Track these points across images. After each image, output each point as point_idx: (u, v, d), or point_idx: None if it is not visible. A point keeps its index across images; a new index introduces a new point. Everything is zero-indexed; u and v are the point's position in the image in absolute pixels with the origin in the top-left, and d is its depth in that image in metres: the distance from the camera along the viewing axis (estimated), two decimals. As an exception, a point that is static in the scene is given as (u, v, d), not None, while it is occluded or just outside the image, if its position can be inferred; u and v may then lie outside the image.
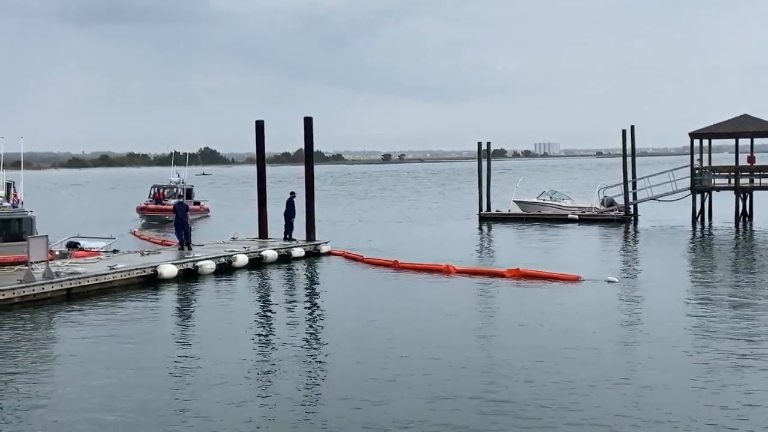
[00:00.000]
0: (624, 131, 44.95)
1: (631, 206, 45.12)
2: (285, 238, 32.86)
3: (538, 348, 15.84)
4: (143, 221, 51.48)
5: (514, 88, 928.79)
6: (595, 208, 47.03)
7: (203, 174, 57.28)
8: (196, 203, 57.66)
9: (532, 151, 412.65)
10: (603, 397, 12.70)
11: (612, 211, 45.94)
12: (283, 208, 33.33)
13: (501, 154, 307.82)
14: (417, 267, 27.23)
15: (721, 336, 16.64)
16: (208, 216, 56.99)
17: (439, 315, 19.62)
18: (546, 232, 40.65)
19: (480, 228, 44.31)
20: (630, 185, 45.00)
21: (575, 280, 23.85)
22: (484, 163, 49.29)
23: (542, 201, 49.65)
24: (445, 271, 26.08)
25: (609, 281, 23.66)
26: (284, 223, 33.12)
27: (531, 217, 47.06)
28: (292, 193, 33.75)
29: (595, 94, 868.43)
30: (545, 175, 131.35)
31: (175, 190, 56.47)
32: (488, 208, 49.09)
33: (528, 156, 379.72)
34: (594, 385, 13.29)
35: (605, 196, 47.71)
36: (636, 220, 44.40)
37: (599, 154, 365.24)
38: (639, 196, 45.85)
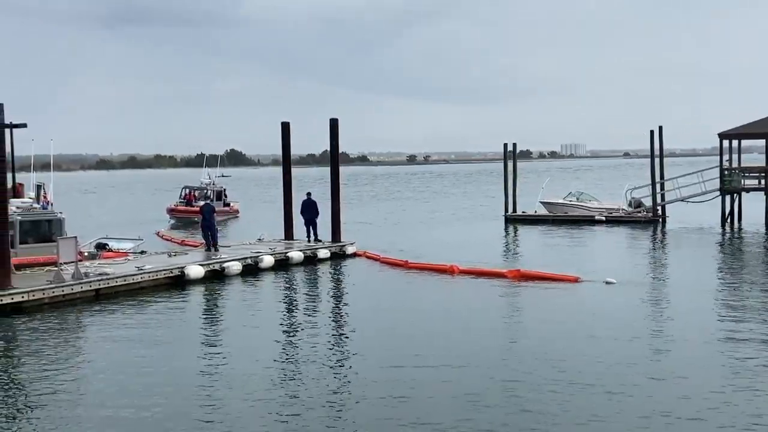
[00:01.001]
0: (652, 132, 44.64)
1: (659, 207, 44.77)
2: (309, 240, 32.88)
3: (539, 348, 15.85)
4: (173, 222, 52.00)
5: (540, 90, 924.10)
6: (622, 209, 46.70)
7: (222, 176, 57.87)
8: (227, 204, 58.24)
9: (558, 152, 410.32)
10: (622, 402, 12.62)
11: (640, 212, 45.60)
12: (296, 210, 33.48)
13: (527, 155, 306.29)
14: (424, 267, 27.79)
15: (743, 340, 16.48)
16: (238, 217, 57.35)
17: (451, 316, 19.63)
18: (572, 233, 40.44)
19: (506, 229, 44.18)
20: (658, 186, 44.66)
21: (574, 281, 24.01)
22: (510, 164, 49.12)
23: (569, 202, 49.37)
24: (449, 271, 26.45)
25: (607, 282, 23.67)
26: (304, 224, 33.10)
27: (557, 218, 46.83)
28: (309, 194, 33.82)
29: (623, 95, 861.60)
30: (571, 176, 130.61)
31: (206, 191, 57.05)
32: (514, 210, 48.93)
33: (554, 157, 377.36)
34: (600, 387, 13.23)
35: (633, 198, 47.35)
36: (664, 221, 44.03)
37: (626, 155, 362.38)
38: (667, 197, 45.48)
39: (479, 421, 11.78)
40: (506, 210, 48.60)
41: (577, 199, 49.90)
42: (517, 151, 51.34)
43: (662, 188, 45.29)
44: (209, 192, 56.74)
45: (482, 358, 15.39)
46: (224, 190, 59.23)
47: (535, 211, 49.23)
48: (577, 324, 18.32)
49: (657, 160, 44.07)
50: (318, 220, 33.26)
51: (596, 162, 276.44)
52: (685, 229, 41.07)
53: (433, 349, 16.18)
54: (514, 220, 47.29)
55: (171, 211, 54.20)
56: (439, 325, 18.64)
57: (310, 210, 33.15)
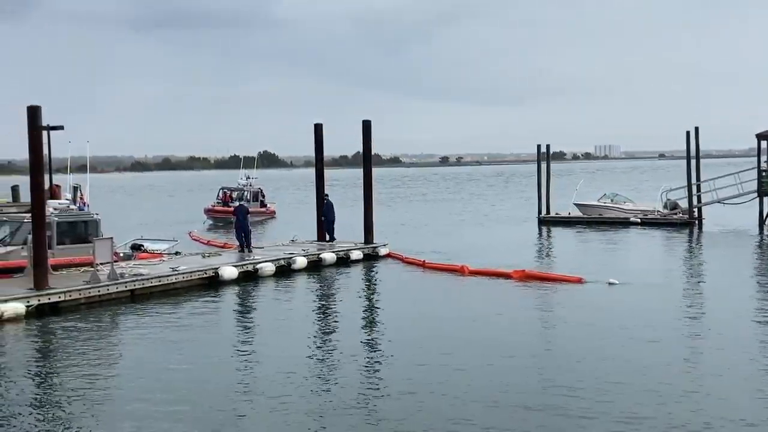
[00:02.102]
0: (688, 133, 44.11)
1: (696, 209, 44.22)
2: (327, 240, 33.31)
3: (538, 347, 15.71)
4: (210, 222, 52.50)
5: (574, 91, 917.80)
6: (657, 211, 46.19)
7: (247, 178, 58.55)
8: (264, 205, 58.67)
9: (592, 154, 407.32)
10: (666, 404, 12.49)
11: (675, 214, 45.08)
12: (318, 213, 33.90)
13: (560, 156, 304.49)
14: (439, 267, 28.49)
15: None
16: (275, 218, 57.66)
17: (467, 316, 19.56)
18: (607, 235, 40.08)
19: (539, 231, 43.92)
20: (694, 188, 44.12)
21: (578, 281, 24.28)
22: (544, 165, 48.82)
23: (603, 204, 48.92)
24: (460, 271, 27.12)
25: (610, 283, 23.78)
26: (324, 225, 33.61)
27: (591, 220, 46.43)
28: (326, 195, 34.20)
29: (658, 96, 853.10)
30: (606, 177, 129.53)
31: (243, 192, 57.60)
32: (548, 211, 48.62)
33: (588, 158, 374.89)
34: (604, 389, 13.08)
35: (668, 199, 46.82)
36: (700, 223, 43.47)
37: (662, 156, 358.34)
38: (703, 199, 44.91)
39: (514, 420, 11.73)
40: (540, 212, 48.30)
41: (612, 200, 49.43)
42: (551, 152, 51.01)
43: (698, 190, 44.73)
44: (246, 193, 57.34)
45: (507, 356, 15.33)
46: (261, 191, 59.79)
47: (569, 213, 48.87)
48: (578, 323, 18.49)
49: (693, 162, 43.55)
50: (330, 220, 33.66)
51: (631, 163, 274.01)
52: (722, 231, 40.53)
53: (457, 350, 16.16)
54: (547, 222, 46.99)
55: (208, 212, 54.82)
56: (458, 327, 18.61)
57: (328, 212, 33.74)
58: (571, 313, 20.02)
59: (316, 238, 33.97)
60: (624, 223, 44.68)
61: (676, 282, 25.13)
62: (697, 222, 43.52)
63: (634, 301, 21.52)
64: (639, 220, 44.77)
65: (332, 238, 33.57)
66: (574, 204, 49.51)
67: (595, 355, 15.59)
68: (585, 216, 47.58)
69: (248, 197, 56.23)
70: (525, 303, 21.78)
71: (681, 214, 44.61)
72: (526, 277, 25.19)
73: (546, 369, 14.65)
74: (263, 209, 58.22)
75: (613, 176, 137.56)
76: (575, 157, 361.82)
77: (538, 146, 50.02)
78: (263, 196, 59.72)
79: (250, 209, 55.62)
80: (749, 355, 15.41)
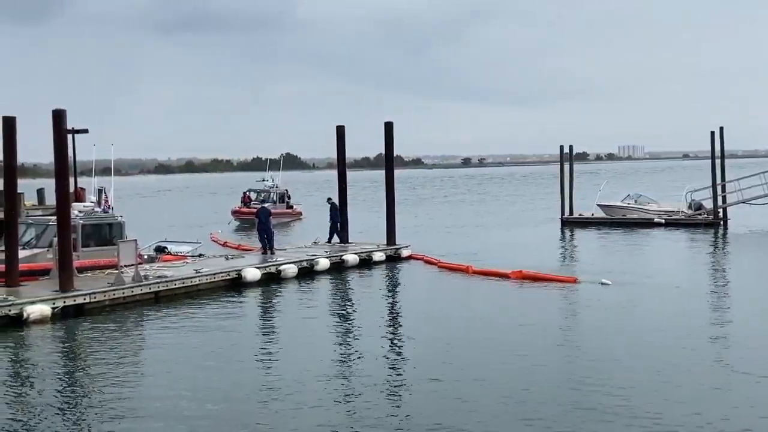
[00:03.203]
0: (712, 133, 43.75)
1: (720, 210, 43.83)
2: (331, 242, 33.43)
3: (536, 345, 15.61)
4: (237, 223, 52.85)
5: (597, 91, 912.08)
6: (682, 211, 45.82)
7: (263, 180, 58.89)
8: (290, 207, 59.07)
9: (615, 154, 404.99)
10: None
11: (700, 215, 44.70)
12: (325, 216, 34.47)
13: (583, 157, 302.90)
14: (447, 266, 29.24)
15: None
16: (301, 219, 57.83)
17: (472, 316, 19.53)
18: (631, 236, 39.83)
19: (562, 232, 43.73)
20: (719, 188, 43.73)
21: (573, 281, 24.57)
22: (567, 166, 48.59)
23: (627, 205, 48.61)
24: (465, 270, 27.78)
25: (603, 284, 23.99)
26: (329, 227, 33.90)
27: (615, 221, 46.17)
28: (329, 199, 34.69)
29: (682, 96, 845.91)
30: (629, 178, 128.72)
31: (269, 193, 58.12)
32: (571, 212, 48.37)
33: (611, 159, 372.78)
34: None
35: (693, 200, 46.43)
36: (725, 224, 43.09)
37: (686, 156, 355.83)
38: (729, 200, 44.51)
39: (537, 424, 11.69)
40: (562, 213, 48.07)
41: (636, 201, 49.10)
42: (574, 153, 50.76)
43: (723, 190, 44.34)
44: (272, 194, 57.89)
45: (522, 356, 15.30)
46: (287, 192, 60.15)
47: (592, 214, 48.60)
48: (572, 323, 18.97)
49: (718, 162, 43.18)
50: (339, 225, 33.78)
51: (655, 164, 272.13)
52: (747, 232, 40.15)
53: (476, 351, 16.14)
54: (570, 223, 46.76)
55: (235, 213, 55.25)
56: (476, 328, 18.59)
57: (333, 214, 33.89)
58: (564, 312, 20.47)
59: (338, 240, 33.98)
60: (648, 224, 44.36)
61: (698, 283, 24.97)
62: (722, 223, 43.15)
63: (649, 302, 21.40)
64: (663, 221, 44.43)
65: (340, 239, 33.55)
66: (598, 205, 49.21)
67: (602, 354, 15.54)
68: (608, 217, 47.30)
69: (274, 199, 57.04)
70: (544, 305, 21.59)
71: (706, 215, 44.24)
72: (523, 278, 25.51)
73: (567, 370, 14.60)
74: (289, 210, 58.70)
75: (637, 177, 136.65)
76: (598, 158, 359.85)
77: (561, 147, 49.79)
78: (289, 198, 60.16)
79: (276, 210, 56.39)
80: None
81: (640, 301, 21.72)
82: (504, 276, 26.07)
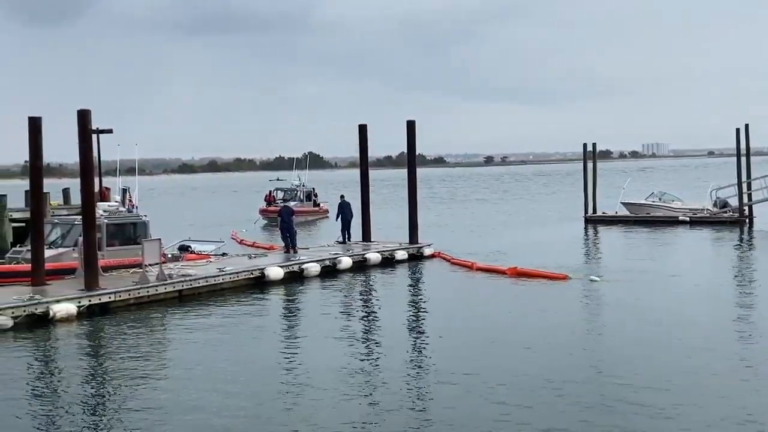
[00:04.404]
0: (738, 130, 43.32)
1: (746, 208, 43.41)
2: (343, 242, 33.26)
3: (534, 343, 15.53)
4: (265, 222, 53.19)
5: (621, 89, 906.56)
6: (707, 209, 45.44)
7: (278, 179, 59.37)
8: (317, 205, 59.59)
9: (639, 152, 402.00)
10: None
11: (725, 212, 44.30)
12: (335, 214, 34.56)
13: (607, 155, 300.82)
14: (457, 262, 29.94)
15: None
16: (328, 217, 58.03)
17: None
18: (655, 234, 39.58)
19: (585, 230, 43.52)
20: (744, 186, 43.31)
21: (564, 278, 25.00)
22: (590, 164, 48.33)
23: (651, 202, 48.29)
24: (469, 266, 28.60)
25: (591, 280, 24.49)
26: (341, 226, 33.76)
27: (639, 219, 45.88)
28: (342, 197, 34.57)
29: (706, 93, 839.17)
30: (654, 175, 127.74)
31: (296, 192, 58.54)
32: (594, 210, 48.12)
33: (635, 157, 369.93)
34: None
35: (718, 197, 45.99)
36: (751, 222, 42.68)
37: (711, 154, 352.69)
38: (754, 197, 44.05)
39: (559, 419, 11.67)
40: (586, 211, 47.83)
41: (660, 199, 48.75)
42: (597, 151, 50.47)
43: (749, 188, 43.90)
44: (300, 193, 58.51)
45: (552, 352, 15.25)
46: (314, 190, 60.60)
47: (616, 212, 48.32)
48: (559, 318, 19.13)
49: (743, 159, 42.76)
50: (347, 220, 33.72)
51: (679, 161, 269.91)
52: (774, 229, 39.72)
53: (500, 351, 16.12)
54: (594, 221, 46.51)
55: (263, 212, 55.68)
56: (501, 328, 18.57)
57: (345, 211, 33.80)
58: (556, 307, 20.91)
59: (361, 239, 34.00)
60: (672, 222, 44.05)
61: (723, 281, 24.80)
62: (747, 220, 42.73)
63: (672, 302, 21.27)
64: (688, 219, 44.09)
65: (349, 238, 33.54)
66: (622, 203, 48.92)
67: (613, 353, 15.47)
68: (632, 215, 47.02)
69: (302, 197, 58.07)
70: (566, 305, 21.59)
71: (731, 213, 43.83)
72: (517, 274, 25.97)
73: (592, 370, 14.57)
74: (316, 208, 59.25)
75: (661, 174, 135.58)
76: (622, 156, 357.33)
77: (584, 145, 49.52)
78: (316, 196, 60.71)
79: (304, 209, 56.73)
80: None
81: (661, 299, 21.60)
82: (501, 272, 26.60)
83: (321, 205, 60.29)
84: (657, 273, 26.45)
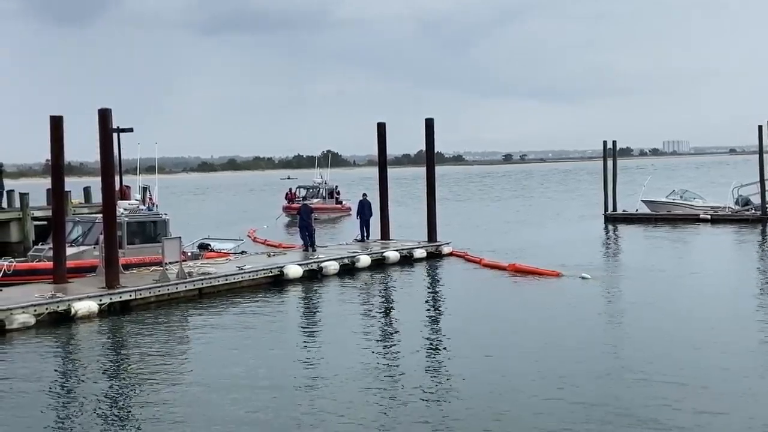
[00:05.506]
0: (760, 127, 42.92)
1: (768, 205, 42.99)
2: (362, 240, 33.25)
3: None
4: (288, 219, 53.41)
5: (641, 86, 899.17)
6: (729, 207, 45.09)
7: (288, 178, 59.74)
8: (339, 202, 59.94)
9: (660, 150, 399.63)
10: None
11: (747, 210, 43.93)
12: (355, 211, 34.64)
13: (627, 152, 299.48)
14: (470, 259, 30.46)
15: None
16: (350, 215, 58.14)
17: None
18: (675, 232, 39.35)
19: (605, 229, 43.33)
20: (767, 183, 42.90)
21: (556, 275, 25.44)
22: (610, 162, 48.09)
23: (672, 200, 47.99)
24: (479, 262, 29.33)
25: (582, 278, 24.74)
26: (359, 224, 33.76)
27: (660, 217, 45.62)
28: (364, 195, 34.49)
29: (728, 90, 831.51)
30: (674, 173, 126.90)
31: (318, 190, 59.10)
32: (614, 208, 47.88)
33: (655, 154, 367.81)
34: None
35: (740, 195, 45.60)
36: (774, 220, 42.30)
37: (732, 151, 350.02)
38: (777, 195, 43.62)
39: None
40: (606, 209, 47.61)
41: (681, 197, 48.44)
42: (617, 148, 50.19)
43: (772, 185, 43.44)
44: (322, 190, 58.92)
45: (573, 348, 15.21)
46: (336, 188, 60.82)
47: (636, 210, 48.08)
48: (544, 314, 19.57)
49: (766, 156, 42.34)
50: (371, 221, 33.76)
51: (700, 159, 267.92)
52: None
53: (520, 350, 16.10)
54: (614, 220, 46.29)
55: (286, 209, 56.04)
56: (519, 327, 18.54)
57: (365, 210, 33.81)
58: (546, 304, 21.65)
59: (379, 237, 34.00)
60: (693, 220, 43.74)
61: (745, 280, 24.57)
62: (770, 218, 42.33)
63: (692, 301, 21.15)
64: (709, 217, 43.78)
65: (368, 237, 33.54)
66: (642, 201, 48.66)
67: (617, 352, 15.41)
68: (653, 213, 46.75)
69: (324, 195, 58.58)
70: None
71: (753, 211, 43.46)
72: (516, 270, 26.63)
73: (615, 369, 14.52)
74: (339, 206, 59.53)
75: (682, 172, 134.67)
76: (642, 154, 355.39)
77: (604, 142, 49.27)
78: (338, 194, 60.97)
79: (326, 206, 56.89)
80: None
81: (681, 298, 21.51)
82: (502, 268, 27.33)
83: (343, 202, 60.49)
84: (672, 271, 26.55)
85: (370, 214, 34.05)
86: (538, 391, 13.22)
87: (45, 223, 33.46)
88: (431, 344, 17.24)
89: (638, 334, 17.42)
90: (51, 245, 24.30)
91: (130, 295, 21.82)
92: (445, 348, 16.78)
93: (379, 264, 29.24)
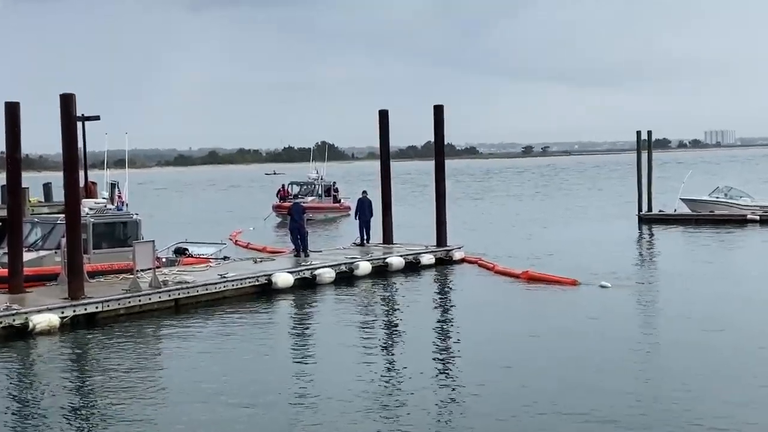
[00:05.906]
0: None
1: (826, 205, 43.01)
2: (362, 243, 33.29)
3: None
4: (279, 219, 53.43)
5: (680, 71, 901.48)
6: (781, 207, 45.10)
7: (274, 173, 59.31)
8: (337, 201, 59.67)
9: (701, 141, 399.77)
10: None
11: (802, 210, 43.92)
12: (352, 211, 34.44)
13: (664, 144, 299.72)
14: (484, 265, 30.79)
15: None
16: (349, 215, 58.11)
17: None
18: (719, 235, 39.31)
19: (639, 231, 43.32)
20: (824, 179, 42.94)
21: (573, 284, 25.98)
22: (645, 155, 48.05)
23: (715, 199, 47.97)
24: (492, 269, 29.75)
25: (602, 286, 25.22)
26: (358, 226, 33.85)
27: (701, 218, 45.60)
28: (364, 192, 34.47)
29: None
30: (718, 168, 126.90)
31: (313, 187, 58.60)
32: (649, 208, 47.85)
33: (697, 146, 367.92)
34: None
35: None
36: (831, 221, 42.31)
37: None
38: (835, 193, 43.67)
39: None
40: (640, 208, 47.58)
41: (726, 195, 48.40)
42: (653, 139, 50.18)
43: (829, 182, 43.51)
44: (318, 187, 58.53)
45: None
46: (334, 184, 60.40)
47: (675, 210, 48.04)
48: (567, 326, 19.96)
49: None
50: (366, 220, 33.80)
51: (748, 151, 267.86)
52: None
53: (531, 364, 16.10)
54: (649, 220, 46.28)
55: (277, 207, 55.83)
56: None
57: (365, 210, 33.84)
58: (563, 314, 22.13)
59: (381, 240, 33.98)
60: (740, 221, 43.76)
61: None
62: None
63: (733, 315, 21.11)
64: (758, 218, 43.76)
65: (368, 239, 33.68)
66: (681, 199, 48.63)
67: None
68: (693, 213, 46.74)
69: (320, 192, 58.07)
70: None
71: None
72: (529, 278, 27.11)
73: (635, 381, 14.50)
74: (337, 205, 59.10)
75: (727, 167, 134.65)
76: (681, 146, 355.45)
77: (638, 133, 49.25)
78: (336, 191, 60.53)
79: (323, 205, 56.66)
80: None
81: (720, 312, 21.48)
82: (516, 276, 27.61)
83: (342, 201, 60.14)
84: (712, 279, 26.67)
85: (371, 215, 33.98)
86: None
87: (-1, 224, 33.45)
88: (435, 365, 17.19)
89: (660, 352, 17.49)
90: (5, 250, 24.25)
91: (97, 307, 21.76)
92: (447, 372, 16.75)
93: (381, 271, 29.21)
